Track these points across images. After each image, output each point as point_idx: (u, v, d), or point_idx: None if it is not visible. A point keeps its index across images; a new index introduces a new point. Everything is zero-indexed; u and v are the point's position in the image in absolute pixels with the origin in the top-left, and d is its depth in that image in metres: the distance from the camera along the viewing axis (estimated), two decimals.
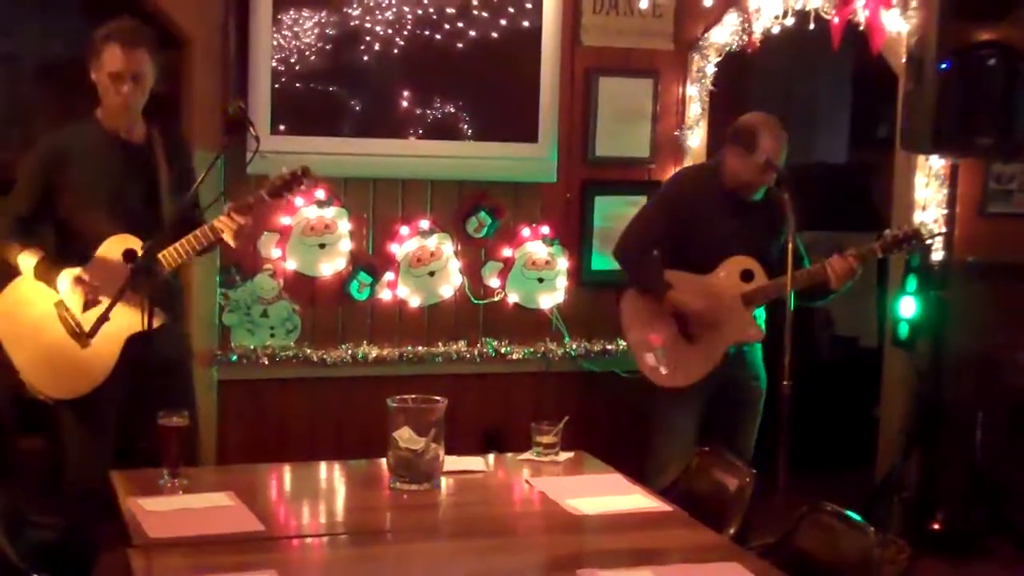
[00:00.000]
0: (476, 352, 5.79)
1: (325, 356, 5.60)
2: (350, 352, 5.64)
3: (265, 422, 5.55)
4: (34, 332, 4.31)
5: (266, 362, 5.53)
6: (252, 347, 5.54)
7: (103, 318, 3.97)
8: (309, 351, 5.59)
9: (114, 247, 4.27)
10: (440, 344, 5.76)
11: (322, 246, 5.56)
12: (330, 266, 5.58)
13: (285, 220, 5.49)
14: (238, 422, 5.51)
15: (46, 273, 4.27)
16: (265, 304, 5.55)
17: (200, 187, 4.26)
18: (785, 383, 4.46)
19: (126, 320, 4.19)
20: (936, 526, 5.58)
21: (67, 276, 4.23)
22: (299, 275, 5.56)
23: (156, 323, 4.04)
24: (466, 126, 5.66)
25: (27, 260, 4.30)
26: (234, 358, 5.50)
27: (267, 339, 5.56)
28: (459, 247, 5.76)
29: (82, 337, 4.19)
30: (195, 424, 4.20)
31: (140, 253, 4.08)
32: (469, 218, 5.77)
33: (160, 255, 4.19)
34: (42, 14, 6.61)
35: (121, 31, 4.24)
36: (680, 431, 5.01)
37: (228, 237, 4.27)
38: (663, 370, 5.05)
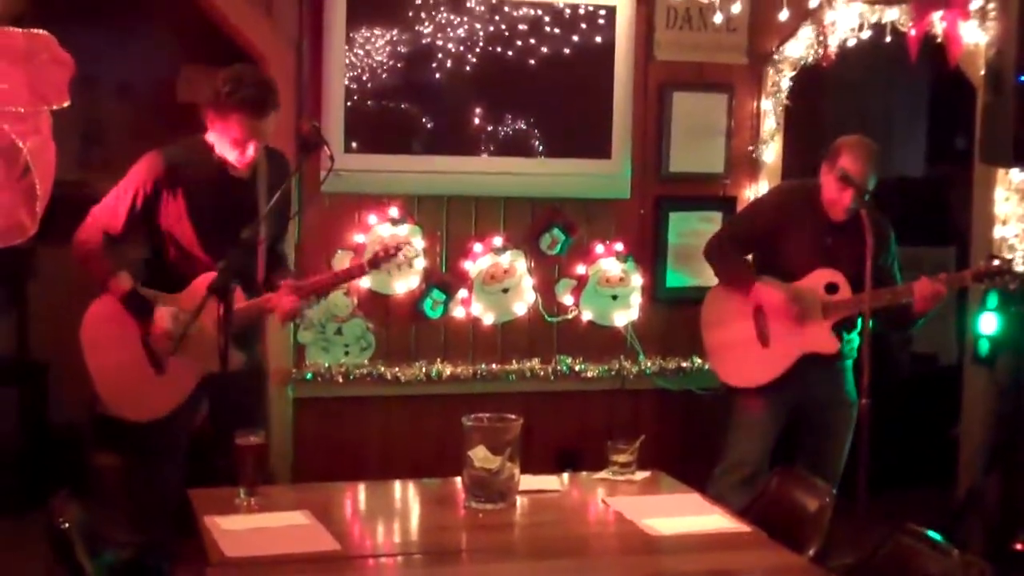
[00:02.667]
0: (550, 370, 5.75)
1: (399, 374, 5.59)
2: (424, 370, 5.61)
3: (340, 440, 5.53)
4: (116, 349, 4.33)
5: (340, 380, 5.52)
6: (327, 365, 5.52)
7: (171, 350, 4.01)
8: (383, 369, 5.58)
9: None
10: (514, 362, 5.72)
11: (397, 265, 5.45)
12: (404, 284, 5.56)
13: (359, 238, 5.49)
14: (313, 440, 5.49)
15: (139, 305, 4.30)
16: (339, 322, 5.52)
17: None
18: (864, 401, 4.44)
19: (206, 353, 4.09)
20: (1018, 546, 5.48)
21: (164, 312, 4.26)
22: (373, 293, 5.54)
23: (234, 363, 3.96)
24: (539, 143, 5.63)
25: (119, 283, 4.32)
26: (309, 376, 5.48)
27: (341, 357, 5.53)
28: (532, 264, 5.73)
29: (160, 367, 4.26)
30: (268, 442, 4.13)
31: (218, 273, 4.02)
32: (542, 235, 5.74)
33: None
34: (120, 37, 6.69)
35: (252, 102, 4.19)
36: (751, 435, 5.03)
37: (277, 315, 4.38)
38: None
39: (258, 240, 4.21)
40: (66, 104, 3.42)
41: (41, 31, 2.99)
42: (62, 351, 6.10)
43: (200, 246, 4.33)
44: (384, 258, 4.52)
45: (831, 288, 5.01)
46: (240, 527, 3.41)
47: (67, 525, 3.24)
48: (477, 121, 5.56)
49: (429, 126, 5.52)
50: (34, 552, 3.46)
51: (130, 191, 4.33)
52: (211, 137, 4.33)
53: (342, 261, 5.42)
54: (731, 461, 5.05)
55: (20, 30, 2.91)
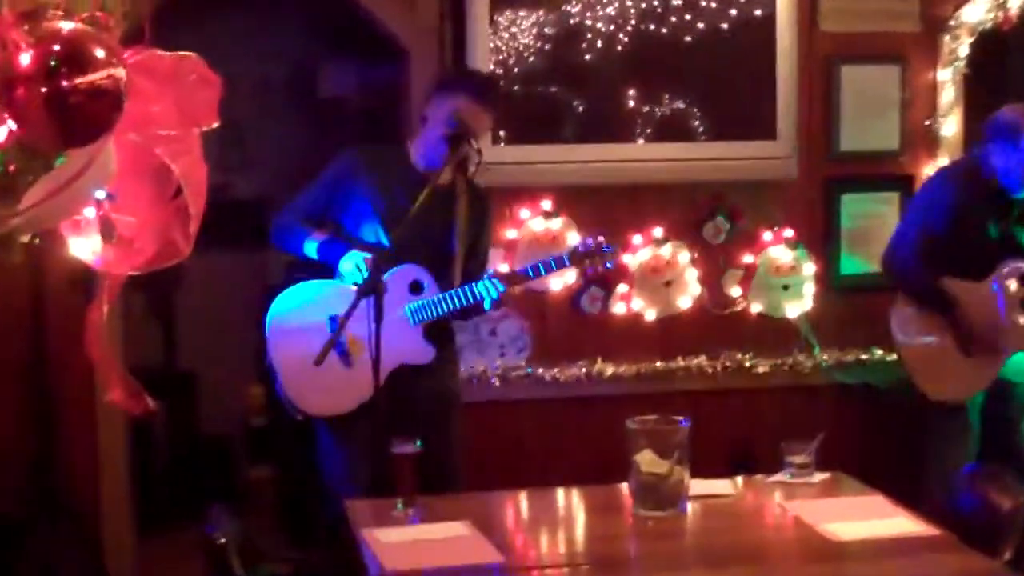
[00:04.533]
0: (718, 367, 5.74)
1: (558, 375, 5.60)
2: (583, 370, 5.62)
3: (498, 446, 5.53)
4: (302, 340, 4.40)
5: (497, 383, 5.56)
6: (482, 368, 5.55)
7: (330, 344, 3.99)
8: (541, 370, 5.59)
9: (400, 276, 4.43)
10: (679, 359, 5.72)
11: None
12: (560, 280, 5.55)
13: (511, 234, 5.50)
14: (471, 446, 5.35)
15: (332, 250, 4.43)
16: (494, 323, 5.55)
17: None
18: None
19: (401, 347, 4.33)
20: None
21: (352, 259, 4.36)
22: (527, 290, 5.45)
23: (425, 359, 4.30)
24: (698, 125, 5.61)
25: (311, 245, 4.44)
26: (463, 378, 5.37)
27: (497, 358, 5.57)
28: (696, 255, 5.69)
29: (347, 356, 4.35)
30: (458, 458, 4.53)
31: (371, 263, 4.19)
32: (705, 223, 5.72)
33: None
34: (256, 32, 6.86)
35: (482, 88, 4.35)
36: (955, 452, 4.99)
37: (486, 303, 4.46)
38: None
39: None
40: (215, 125, 3.42)
41: (190, 53, 3.06)
42: (210, 361, 6.54)
43: (389, 241, 4.44)
44: (587, 255, 4.54)
45: None
46: (399, 539, 3.45)
47: (224, 540, 3.32)
48: (631, 104, 5.54)
49: (580, 112, 5.51)
50: (187, 567, 3.59)
51: (316, 185, 4.53)
52: (413, 145, 4.49)
53: (494, 262, 5.40)
54: (933, 483, 5.00)
55: (168, 53, 2.99)
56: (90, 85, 2.54)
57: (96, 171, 2.79)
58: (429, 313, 4.44)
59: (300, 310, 4.52)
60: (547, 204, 5.53)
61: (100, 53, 2.58)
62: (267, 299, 4.71)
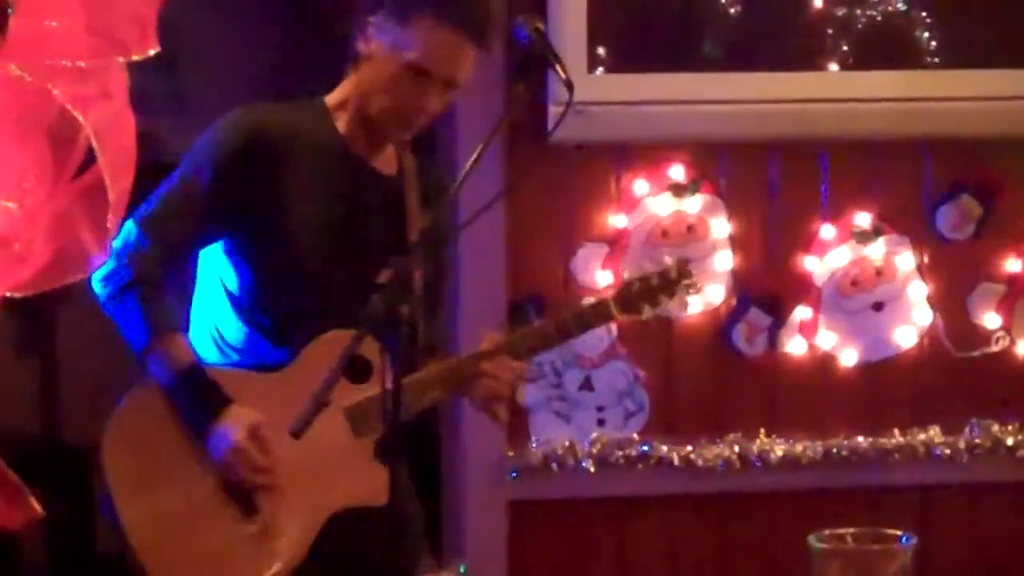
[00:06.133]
0: (961, 444, 5.02)
1: (693, 456, 4.99)
2: (736, 449, 5.01)
3: (590, 566, 5.07)
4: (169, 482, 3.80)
5: (591, 468, 4.97)
6: (567, 443, 4.98)
7: (315, 410, 3.34)
8: (665, 448, 4.97)
9: (329, 349, 3.66)
10: (896, 432, 5.03)
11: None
12: (698, 298, 4.75)
13: (617, 222, 4.97)
14: (543, 567, 5.08)
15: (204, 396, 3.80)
16: (588, 368, 5.03)
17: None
18: None
19: (334, 481, 3.76)
20: None
21: (240, 420, 3.69)
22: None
23: (377, 495, 3.53)
24: (929, 40, 4.97)
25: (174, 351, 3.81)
26: (537, 462, 4.98)
27: (593, 429, 5.00)
28: (926, 258, 5.09)
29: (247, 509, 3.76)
30: None
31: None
32: (942, 206, 5.07)
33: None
34: None
35: (472, 17, 3.69)
36: None
37: (480, 395, 3.78)
38: None
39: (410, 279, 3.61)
40: (152, 52, 3.36)
41: None
42: None
43: (314, 281, 3.78)
44: (646, 293, 3.90)
45: None
46: None
47: None
48: (818, 4, 4.97)
49: (730, 18, 4.98)
50: None
51: (196, 174, 3.82)
52: (341, 106, 3.83)
53: (587, 268, 4.97)
54: None
55: None
56: None
57: None
58: (379, 416, 3.60)
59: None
60: (678, 172, 5.00)
61: None
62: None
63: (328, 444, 3.71)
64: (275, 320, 3.84)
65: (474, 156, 3.45)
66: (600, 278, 4.99)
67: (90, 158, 3.37)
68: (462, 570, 3.84)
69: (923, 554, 3.11)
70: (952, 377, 5.19)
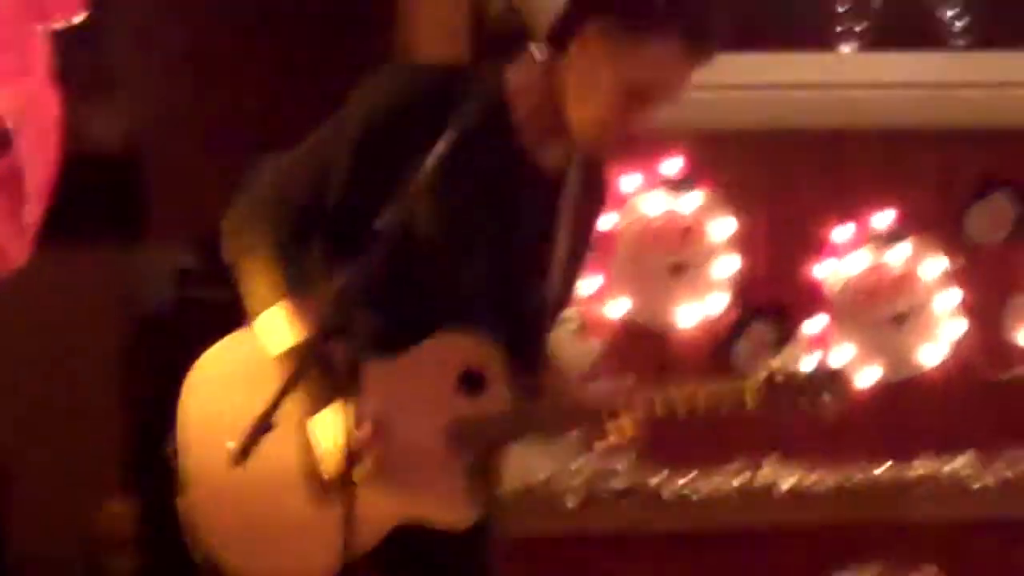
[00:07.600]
0: (991, 478, 4.84)
1: (687, 490, 4.81)
2: (738, 481, 4.82)
3: None
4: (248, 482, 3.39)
5: (573, 503, 4.79)
6: (545, 476, 4.83)
7: (258, 429, 2.97)
8: (655, 480, 4.78)
9: (452, 351, 3.48)
10: (918, 462, 4.80)
11: (676, 269, 4.84)
12: (693, 309, 4.79)
13: (604, 222, 4.62)
14: None
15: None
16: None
17: None
18: None
19: (417, 487, 3.49)
20: None
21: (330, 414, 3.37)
22: (635, 327, 4.82)
23: (459, 520, 3.35)
24: (956, 19, 4.85)
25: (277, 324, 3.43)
26: (517, 498, 4.74)
27: (574, 458, 4.79)
28: (955, 265, 4.88)
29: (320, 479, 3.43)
30: None
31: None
32: (973, 206, 4.86)
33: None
34: None
35: (708, 44, 3.36)
36: None
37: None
38: None
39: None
40: (78, 18, 3.23)
41: None
42: (36, 450, 6.08)
43: (452, 274, 3.54)
44: (788, 390, 3.40)
45: None
46: None
47: None
48: None
49: None
50: None
51: (320, 155, 3.48)
52: (518, 95, 3.46)
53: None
54: None
55: None
56: None
57: None
58: (493, 433, 3.55)
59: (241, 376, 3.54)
60: (675, 165, 4.84)
61: None
62: (143, 334, 4.78)
63: (421, 452, 3.45)
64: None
65: (441, 148, 3.08)
66: (585, 284, 4.71)
67: (2, 147, 3.28)
68: None
69: None
70: (983, 401, 5.02)
